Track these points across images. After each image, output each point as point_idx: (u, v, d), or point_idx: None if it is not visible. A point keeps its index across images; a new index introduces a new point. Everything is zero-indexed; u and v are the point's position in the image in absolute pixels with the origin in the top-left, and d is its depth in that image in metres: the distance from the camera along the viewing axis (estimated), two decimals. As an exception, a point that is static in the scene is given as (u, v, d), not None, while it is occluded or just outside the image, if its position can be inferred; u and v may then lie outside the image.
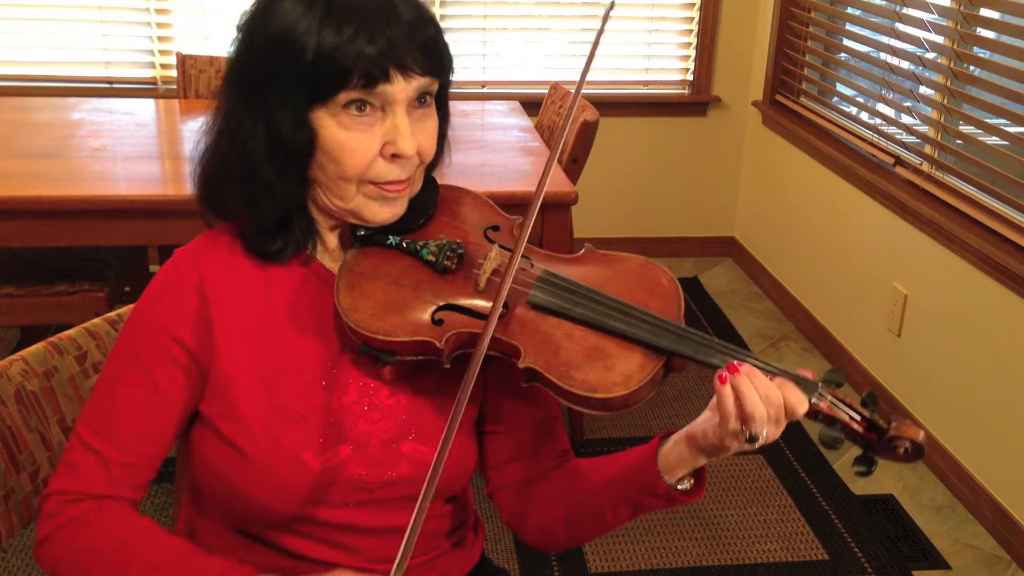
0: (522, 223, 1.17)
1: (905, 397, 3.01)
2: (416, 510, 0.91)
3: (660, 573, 2.37)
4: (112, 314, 1.40)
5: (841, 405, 1.01)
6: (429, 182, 1.17)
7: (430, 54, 1.04)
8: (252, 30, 1.05)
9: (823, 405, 1.00)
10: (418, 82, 1.04)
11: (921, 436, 1.01)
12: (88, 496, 1.09)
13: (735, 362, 0.98)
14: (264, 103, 1.04)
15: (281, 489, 1.10)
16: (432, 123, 1.10)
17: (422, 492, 0.92)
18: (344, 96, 1.02)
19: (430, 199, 1.17)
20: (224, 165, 1.09)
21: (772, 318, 3.81)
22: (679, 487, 1.06)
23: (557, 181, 2.53)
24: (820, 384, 1.01)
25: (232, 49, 1.08)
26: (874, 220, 3.16)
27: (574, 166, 2.81)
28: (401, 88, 1.03)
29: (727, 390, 0.97)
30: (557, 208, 2.48)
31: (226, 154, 1.08)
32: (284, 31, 1.01)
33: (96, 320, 1.38)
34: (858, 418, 1.01)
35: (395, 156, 1.05)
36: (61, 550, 1.08)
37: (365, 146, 1.04)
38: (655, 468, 1.05)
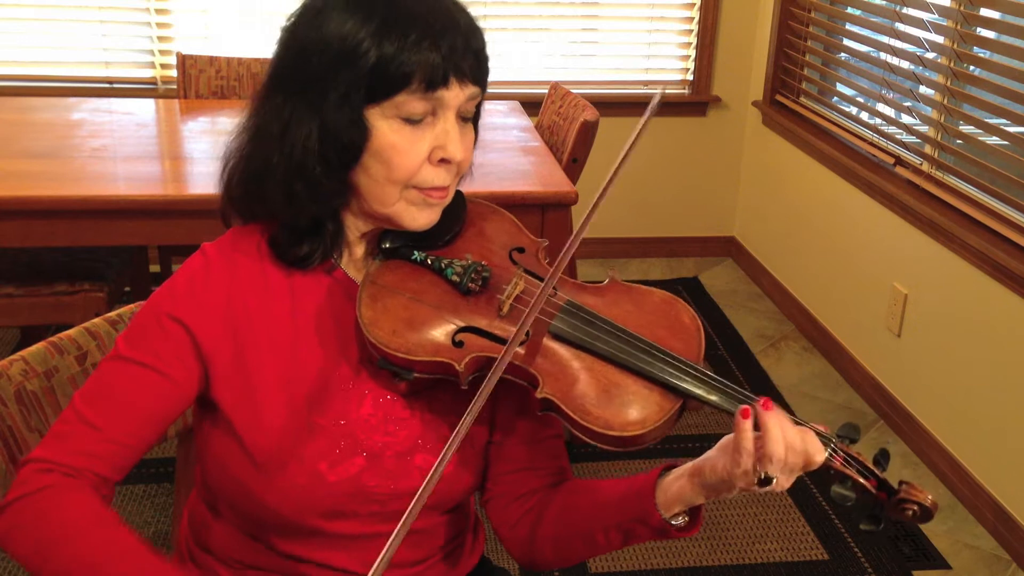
0: (547, 246, 1.18)
1: (905, 397, 3.01)
2: (400, 524, 0.90)
3: (660, 573, 2.37)
4: (112, 314, 1.40)
5: (854, 463, 1.00)
6: (457, 197, 1.16)
7: (482, 61, 1.07)
8: (303, 35, 1.05)
9: (836, 461, 0.99)
10: (470, 90, 1.06)
11: (931, 500, 0.99)
12: (64, 467, 1.06)
13: (765, 399, 0.98)
14: (320, 103, 1.04)
15: (295, 499, 1.10)
16: (471, 136, 1.12)
17: (408, 510, 0.91)
18: (402, 98, 1.03)
19: (457, 216, 1.17)
20: (267, 164, 1.08)
21: (772, 318, 3.81)
22: (674, 522, 1.05)
23: (557, 181, 2.53)
24: (834, 439, 1.00)
25: (277, 51, 1.08)
26: (874, 220, 3.16)
27: (574, 166, 2.81)
28: (455, 94, 1.05)
29: (747, 425, 0.96)
30: (557, 208, 2.48)
31: (270, 153, 1.07)
32: (341, 39, 1.02)
33: (96, 320, 1.38)
34: (869, 477, 1.00)
35: (443, 161, 1.07)
36: (20, 519, 1.05)
37: (416, 149, 1.05)
38: (652, 499, 1.04)
